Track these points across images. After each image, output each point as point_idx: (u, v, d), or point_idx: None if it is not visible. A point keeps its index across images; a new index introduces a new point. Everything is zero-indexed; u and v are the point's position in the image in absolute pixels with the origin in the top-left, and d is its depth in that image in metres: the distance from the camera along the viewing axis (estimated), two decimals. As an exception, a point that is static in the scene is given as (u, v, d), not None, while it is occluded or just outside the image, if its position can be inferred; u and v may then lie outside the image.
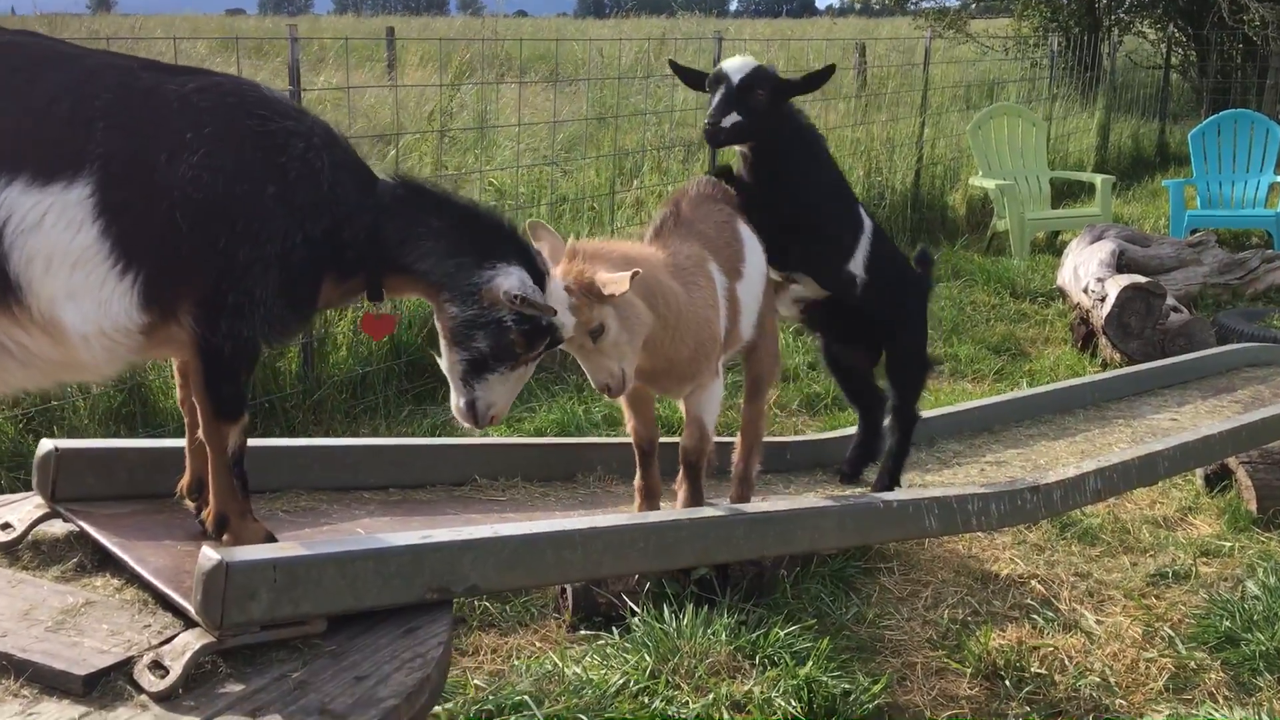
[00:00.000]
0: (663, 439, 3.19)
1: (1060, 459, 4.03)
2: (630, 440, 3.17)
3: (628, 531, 2.48)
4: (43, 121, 2.07)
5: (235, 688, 1.96)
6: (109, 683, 1.96)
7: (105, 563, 2.37)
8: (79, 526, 2.46)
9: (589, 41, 9.17)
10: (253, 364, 2.33)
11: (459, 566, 2.22)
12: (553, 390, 6.04)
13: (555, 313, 2.46)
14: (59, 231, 2.04)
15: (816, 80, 3.37)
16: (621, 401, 3.14)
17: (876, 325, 3.76)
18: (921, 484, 3.78)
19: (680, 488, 3.05)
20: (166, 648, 1.99)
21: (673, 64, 3.64)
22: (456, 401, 2.50)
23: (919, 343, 3.91)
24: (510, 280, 2.40)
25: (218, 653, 2.01)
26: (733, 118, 3.21)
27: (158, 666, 1.96)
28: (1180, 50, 17.11)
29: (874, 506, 2.97)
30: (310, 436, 5.25)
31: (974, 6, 19.01)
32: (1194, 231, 9.68)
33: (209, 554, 1.99)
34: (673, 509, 2.99)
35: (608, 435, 5.09)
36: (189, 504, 2.54)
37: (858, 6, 30.02)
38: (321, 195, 2.29)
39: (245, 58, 12.11)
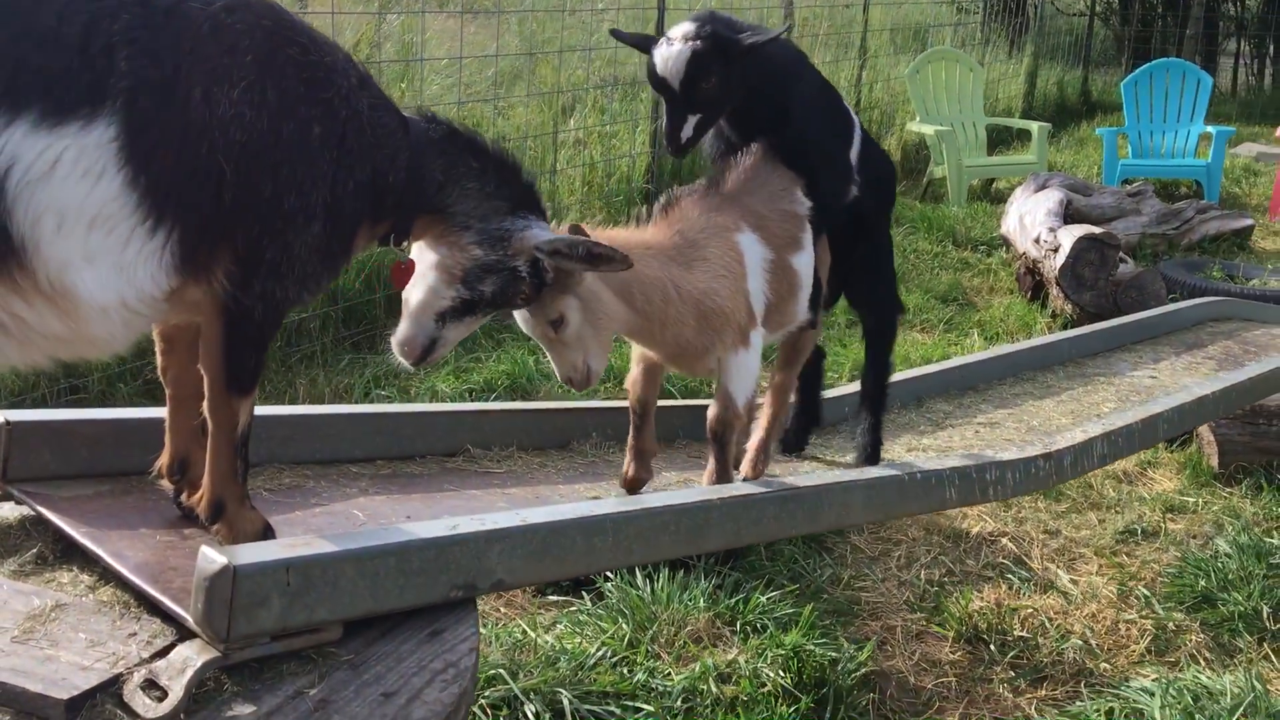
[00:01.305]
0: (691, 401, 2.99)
1: (1052, 419, 3.93)
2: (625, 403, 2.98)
3: (659, 515, 2.25)
4: (50, 47, 1.71)
5: (245, 709, 1.68)
6: (95, 706, 1.66)
7: (69, 554, 2.06)
8: (36, 511, 2.14)
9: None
10: (279, 327, 2.04)
11: (485, 560, 1.97)
12: (499, 339, 5.78)
13: (629, 263, 2.35)
14: (74, 182, 1.70)
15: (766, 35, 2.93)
16: (633, 354, 2.96)
17: (858, 238, 3.41)
18: (919, 447, 3.65)
19: (707, 462, 2.85)
20: (162, 663, 1.71)
21: (615, 33, 3.27)
22: (412, 334, 2.30)
23: (891, 268, 3.63)
24: (545, 235, 2.24)
25: (222, 669, 1.74)
26: (691, 124, 2.84)
27: (153, 686, 1.67)
28: (1103, -2, 17.21)
29: (898, 480, 2.79)
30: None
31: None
32: (1126, 181, 9.71)
33: (211, 555, 1.70)
34: (697, 485, 2.78)
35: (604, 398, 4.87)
36: (166, 485, 2.23)
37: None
38: (366, 138, 2.02)
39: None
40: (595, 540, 2.14)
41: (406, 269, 2.23)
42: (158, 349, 2.17)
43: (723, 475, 2.81)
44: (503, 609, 3.54)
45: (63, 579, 2.00)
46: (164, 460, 2.22)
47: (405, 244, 2.21)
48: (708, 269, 2.72)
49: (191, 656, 1.70)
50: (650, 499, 2.34)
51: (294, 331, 5.39)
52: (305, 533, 2.10)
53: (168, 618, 1.84)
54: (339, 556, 1.79)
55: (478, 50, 8.55)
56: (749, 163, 3.00)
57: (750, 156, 3.01)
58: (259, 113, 1.84)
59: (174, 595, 1.82)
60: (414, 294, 2.29)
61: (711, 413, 2.83)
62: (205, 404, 1.99)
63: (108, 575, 1.98)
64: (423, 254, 2.27)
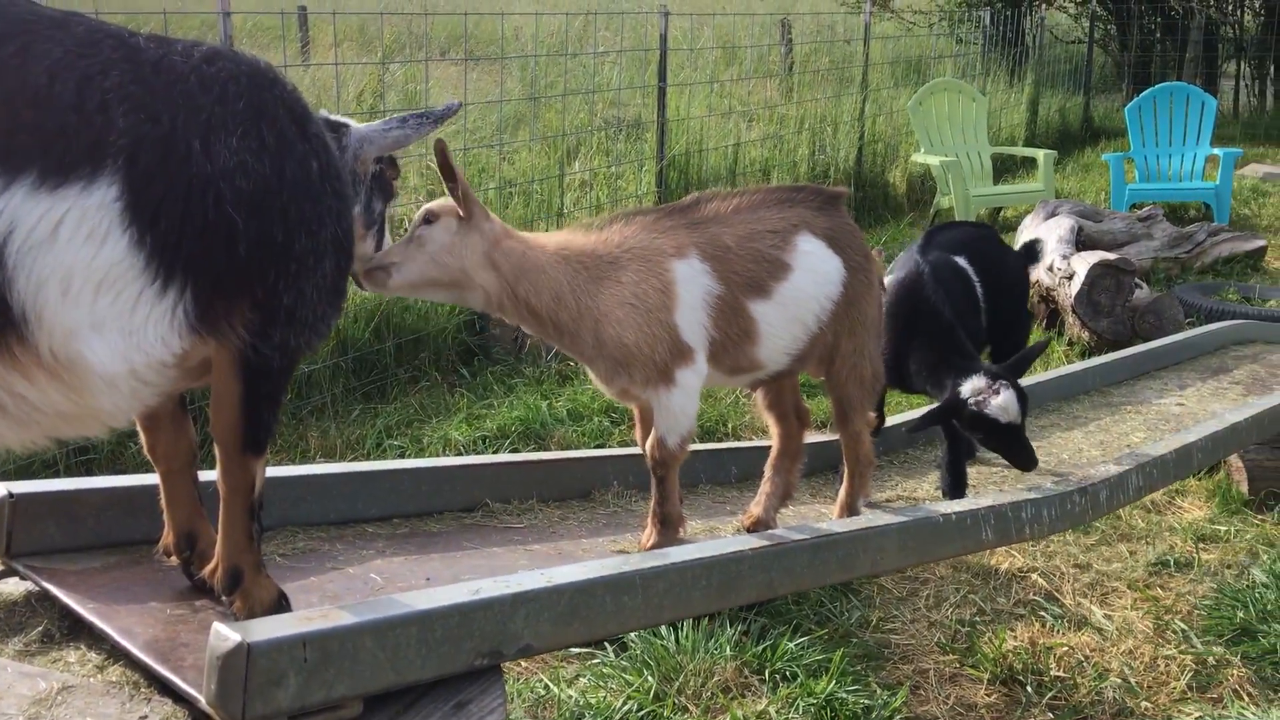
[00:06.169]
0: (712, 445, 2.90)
1: (1083, 451, 3.84)
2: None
3: (689, 569, 2.16)
4: (45, 107, 1.63)
5: (263, 795, 1.59)
6: (104, 798, 1.58)
7: (77, 631, 1.98)
8: (41, 587, 2.05)
9: (528, 14, 8.78)
10: (290, 380, 1.96)
11: (511, 624, 1.88)
12: (510, 384, 5.70)
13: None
14: (79, 246, 1.62)
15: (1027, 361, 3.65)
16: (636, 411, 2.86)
17: None
18: (948, 485, 3.55)
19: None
20: (173, 749, 1.62)
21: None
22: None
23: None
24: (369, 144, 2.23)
25: (237, 751, 1.64)
26: None
27: (165, 774, 1.59)
28: (1101, 25, 17.19)
29: (933, 522, 2.69)
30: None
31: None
32: (1135, 206, 9.64)
33: (224, 633, 1.61)
34: (726, 536, 2.68)
35: (604, 442, 4.78)
36: (175, 561, 2.14)
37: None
38: (347, 164, 2.02)
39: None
40: (625, 599, 2.05)
41: None
42: (141, 428, 2.07)
43: (659, 506, 2.67)
44: (523, 664, 3.44)
45: (70, 658, 1.91)
46: (168, 538, 2.12)
47: None
48: (615, 293, 2.54)
49: (205, 741, 1.61)
50: (678, 552, 2.24)
51: (304, 384, 5.32)
52: (321, 600, 2.01)
53: (179, 698, 1.75)
54: (358, 628, 1.70)
55: (481, 97, 8.53)
56: (753, 198, 2.81)
57: (760, 193, 2.85)
58: (259, 158, 1.78)
59: (185, 675, 1.73)
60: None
61: (646, 448, 2.69)
62: (218, 470, 1.90)
63: (116, 653, 1.89)
64: None
